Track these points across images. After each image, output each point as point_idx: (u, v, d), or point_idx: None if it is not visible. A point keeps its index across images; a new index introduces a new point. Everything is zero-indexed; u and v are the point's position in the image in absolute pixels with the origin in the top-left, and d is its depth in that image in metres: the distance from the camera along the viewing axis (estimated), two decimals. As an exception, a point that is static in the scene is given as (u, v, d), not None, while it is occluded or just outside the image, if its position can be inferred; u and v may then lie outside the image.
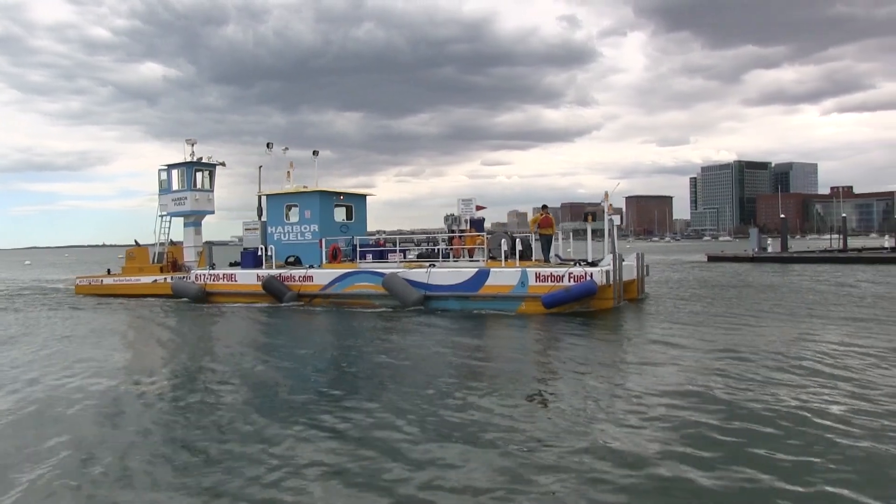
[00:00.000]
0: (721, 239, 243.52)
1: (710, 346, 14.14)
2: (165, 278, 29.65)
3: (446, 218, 26.15)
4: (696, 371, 11.52)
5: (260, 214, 29.14)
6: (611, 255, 21.81)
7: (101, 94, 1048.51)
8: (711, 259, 58.30)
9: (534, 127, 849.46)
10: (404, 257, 25.91)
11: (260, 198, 29.19)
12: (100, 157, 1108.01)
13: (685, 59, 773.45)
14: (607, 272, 21.07)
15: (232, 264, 29.61)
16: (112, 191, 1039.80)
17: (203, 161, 30.93)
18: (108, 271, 33.57)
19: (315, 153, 30.89)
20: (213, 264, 28.60)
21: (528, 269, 21.65)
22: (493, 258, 23.68)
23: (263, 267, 27.00)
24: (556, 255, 24.40)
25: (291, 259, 27.40)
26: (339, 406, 9.89)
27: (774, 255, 55.41)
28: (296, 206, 27.81)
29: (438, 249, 25.49)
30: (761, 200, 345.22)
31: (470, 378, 11.67)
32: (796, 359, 12.37)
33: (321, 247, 26.30)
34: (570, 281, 20.87)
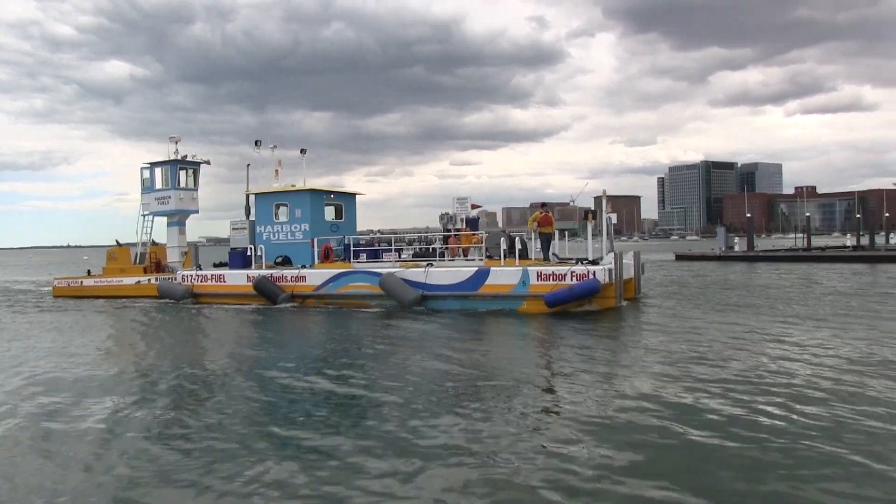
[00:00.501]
0: (689, 238, 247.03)
1: (724, 351, 13.98)
2: (150, 279, 28.85)
3: (441, 216, 25.82)
4: (718, 380, 11.32)
5: (248, 213, 28.48)
6: (612, 254, 21.64)
7: (66, 93, 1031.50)
8: (679, 258, 58.69)
9: (502, 127, 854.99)
10: (399, 257, 25.45)
11: (248, 196, 28.53)
12: (64, 157, 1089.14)
13: (653, 61, 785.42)
14: (609, 271, 20.89)
15: (216, 265, 28.97)
16: (77, 191, 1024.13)
17: (187, 159, 30.18)
18: (89, 272, 32.59)
19: (303, 151, 30.34)
20: (200, 265, 27.88)
21: (529, 268, 21.38)
22: (490, 257, 23.41)
23: (253, 267, 26.37)
24: (554, 255, 24.15)
25: (279, 259, 26.82)
26: (333, 416, 9.40)
27: (741, 253, 56.16)
28: (285, 205, 27.18)
29: (434, 249, 25.14)
30: (728, 200, 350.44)
31: (473, 384, 11.12)
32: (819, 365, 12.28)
33: (313, 246, 25.75)
34: (572, 280, 20.64)
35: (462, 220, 25.16)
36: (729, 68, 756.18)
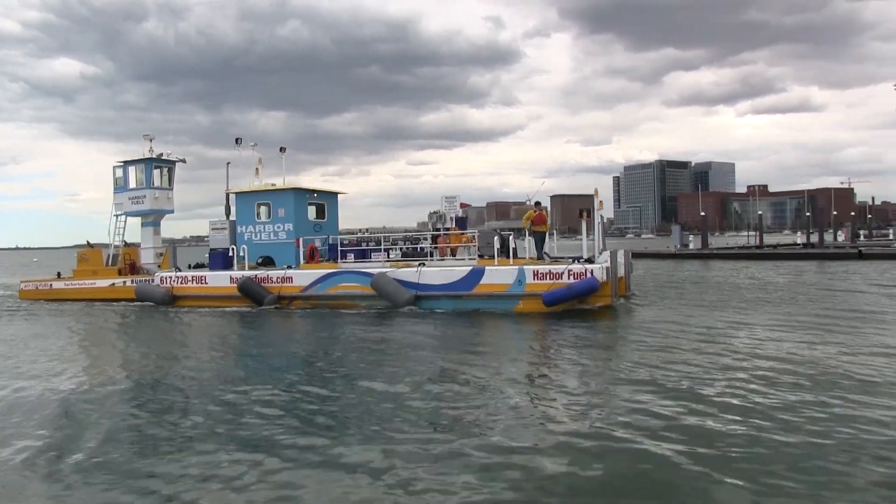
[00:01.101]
0: (644, 236, 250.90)
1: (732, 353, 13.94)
2: (125, 281, 27.77)
3: (430, 215, 25.42)
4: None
5: (228, 213, 27.71)
6: (607, 252, 21.56)
7: (12, 91, 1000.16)
8: (635, 256, 59.04)
9: (459, 127, 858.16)
10: (388, 257, 24.94)
11: (228, 196, 27.74)
12: (12, 157, 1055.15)
13: (608, 61, 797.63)
14: (606, 269, 20.79)
15: (193, 266, 28.15)
16: (26, 191, 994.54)
17: (163, 157, 29.19)
18: (59, 274, 31.25)
19: (282, 150, 29.63)
20: (179, 266, 26.99)
21: (525, 268, 21.15)
22: (481, 256, 23.15)
23: (235, 268, 25.61)
24: (546, 254, 23.96)
25: (260, 260, 26.13)
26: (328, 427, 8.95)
27: (696, 251, 56.94)
28: (268, 204, 26.47)
29: (423, 248, 24.76)
30: (682, 199, 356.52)
31: (464, 392, 10.48)
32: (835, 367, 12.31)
33: (298, 246, 25.13)
34: (570, 278, 20.49)
35: (452, 218, 24.83)
36: (682, 69, 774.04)
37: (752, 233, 79.30)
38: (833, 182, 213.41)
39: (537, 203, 23.53)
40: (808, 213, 73.01)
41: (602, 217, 23.31)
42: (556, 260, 22.89)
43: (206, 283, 25.65)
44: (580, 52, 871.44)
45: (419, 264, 22.70)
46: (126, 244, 30.26)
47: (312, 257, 25.24)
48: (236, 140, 27.49)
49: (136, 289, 26.31)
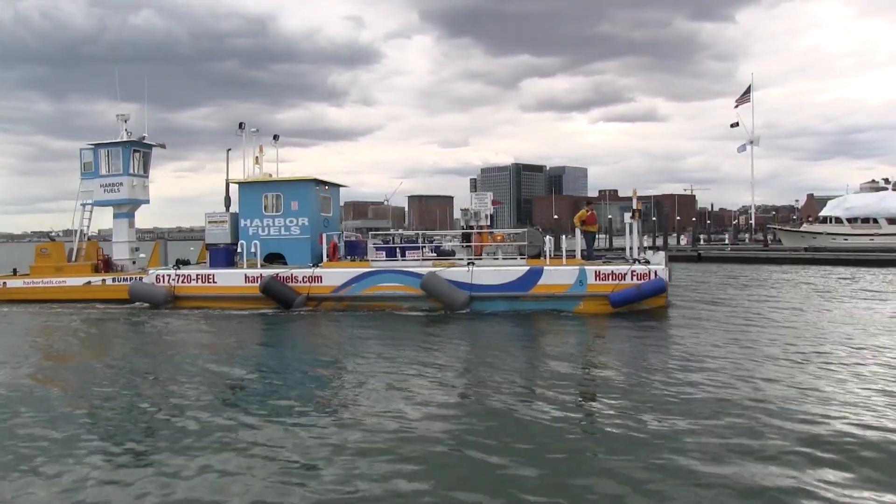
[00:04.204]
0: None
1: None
2: (103, 280, 24.50)
3: (464, 213, 24.46)
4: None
5: (227, 205, 25.25)
6: (661, 253, 21.76)
7: None
8: None
9: (317, 125, 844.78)
10: (422, 255, 23.71)
11: (228, 185, 25.27)
12: None
13: (466, 65, 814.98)
14: (666, 270, 20.96)
15: (179, 261, 25.50)
16: None
17: (143, 141, 26.08)
18: (14, 271, 27.00)
19: (275, 138, 27.51)
20: (180, 263, 24.25)
21: (586, 268, 20.93)
22: (529, 256, 22.73)
23: (245, 266, 23.36)
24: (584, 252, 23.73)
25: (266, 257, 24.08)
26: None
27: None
28: (278, 195, 24.32)
29: (450, 247, 23.87)
30: (537, 201, 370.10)
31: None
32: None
33: (321, 242, 23.33)
34: (633, 279, 20.47)
35: (487, 216, 24.04)
36: (538, 75, 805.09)
37: (602, 235, 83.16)
38: (677, 189, 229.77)
39: (588, 202, 23.32)
40: (654, 218, 77.23)
41: (631, 217, 23.40)
42: (609, 260, 22.87)
43: (214, 281, 23.17)
44: (440, 54, 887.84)
45: (469, 263, 21.80)
46: (89, 238, 26.83)
47: (333, 255, 23.58)
48: (240, 125, 25.06)
49: (131, 288, 23.17)
